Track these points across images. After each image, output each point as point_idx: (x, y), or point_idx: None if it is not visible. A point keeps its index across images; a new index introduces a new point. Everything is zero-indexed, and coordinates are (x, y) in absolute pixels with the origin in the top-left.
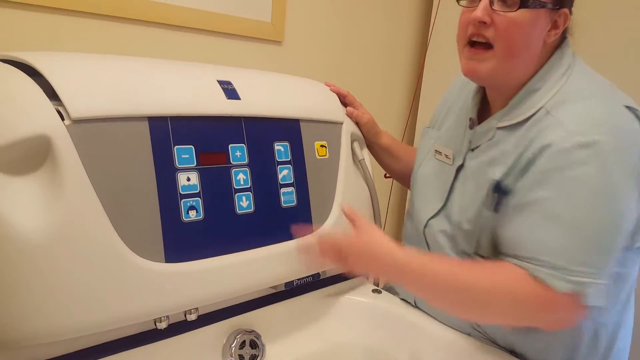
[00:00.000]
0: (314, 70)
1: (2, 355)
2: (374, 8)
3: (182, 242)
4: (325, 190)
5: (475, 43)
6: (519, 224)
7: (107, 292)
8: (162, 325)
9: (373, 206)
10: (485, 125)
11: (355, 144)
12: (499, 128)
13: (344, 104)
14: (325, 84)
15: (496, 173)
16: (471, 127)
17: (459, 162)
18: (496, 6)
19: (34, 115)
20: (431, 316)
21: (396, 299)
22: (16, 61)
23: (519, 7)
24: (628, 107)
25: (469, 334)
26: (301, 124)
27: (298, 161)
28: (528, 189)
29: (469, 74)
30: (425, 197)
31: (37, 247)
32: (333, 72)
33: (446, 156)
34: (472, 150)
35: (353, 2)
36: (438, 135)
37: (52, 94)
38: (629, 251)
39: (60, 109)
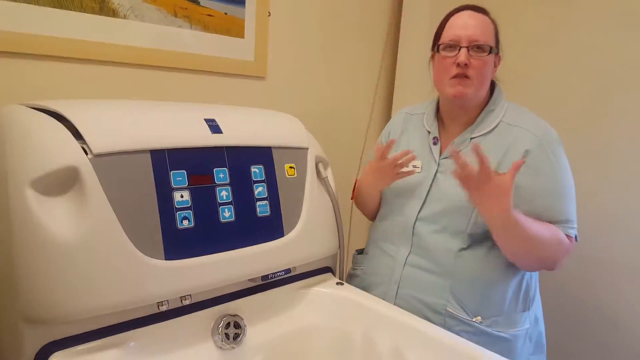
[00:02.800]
0: (294, 100)
1: (42, 329)
2: (346, 45)
3: (177, 244)
4: (294, 202)
5: (459, 76)
6: (541, 203)
7: (121, 281)
8: (164, 308)
9: (335, 216)
10: (460, 137)
11: (320, 165)
12: (472, 138)
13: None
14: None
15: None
16: (435, 143)
17: (434, 169)
18: (472, 52)
19: (65, 152)
20: (383, 301)
21: (355, 289)
22: (46, 109)
23: (488, 54)
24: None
25: (444, 308)
26: (273, 150)
27: (271, 180)
28: (532, 182)
29: (458, 95)
30: (404, 201)
31: (68, 247)
32: (312, 102)
33: (414, 166)
34: (447, 158)
35: (328, 40)
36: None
37: (76, 134)
38: None
39: (84, 146)
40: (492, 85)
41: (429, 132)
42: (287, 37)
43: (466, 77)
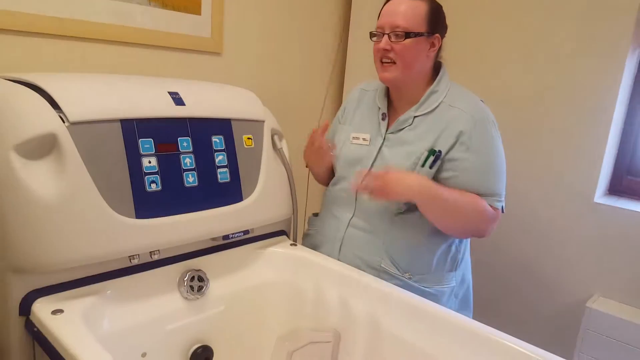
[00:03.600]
0: (249, 75)
1: (27, 278)
2: (302, 22)
3: (147, 205)
4: (251, 170)
5: (385, 62)
6: (468, 177)
7: (97, 236)
8: (135, 262)
9: (290, 184)
10: (405, 116)
11: (275, 137)
12: (415, 117)
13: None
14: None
15: (427, 143)
16: (383, 118)
17: (379, 141)
18: (392, 39)
19: (44, 119)
20: (333, 260)
21: (306, 249)
22: (24, 82)
23: (405, 39)
24: (481, 100)
25: (379, 265)
26: (232, 122)
27: (230, 149)
28: (464, 158)
29: (383, 80)
30: (352, 169)
31: (49, 206)
32: (266, 75)
33: (364, 139)
34: (394, 132)
35: (283, 17)
36: (351, 128)
37: (53, 104)
38: None
39: (61, 115)
40: (439, 66)
41: (379, 108)
42: (242, 14)
43: (393, 62)
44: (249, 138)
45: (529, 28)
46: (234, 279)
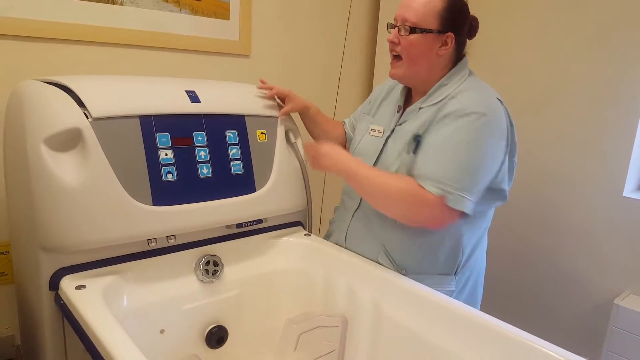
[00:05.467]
0: (277, 75)
1: (55, 257)
2: (325, 23)
3: (163, 194)
4: (265, 164)
5: (394, 56)
6: (419, 157)
7: (117, 221)
8: (153, 245)
9: (303, 177)
10: (412, 107)
11: (290, 133)
12: (421, 108)
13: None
14: (260, 81)
15: (415, 130)
16: (398, 111)
17: (388, 133)
18: (401, 32)
19: (70, 116)
20: (345, 249)
21: (319, 239)
22: (55, 83)
23: (410, 33)
24: (498, 99)
25: (376, 259)
26: (246, 118)
27: (244, 143)
28: (428, 138)
29: (391, 76)
30: (363, 159)
31: (74, 192)
32: (294, 75)
33: (378, 131)
34: (401, 124)
35: (307, 18)
36: (372, 120)
37: (79, 102)
38: (498, 200)
39: (85, 112)
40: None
41: (397, 101)
42: (269, 16)
43: (399, 57)
44: (262, 133)
45: (557, 23)
46: (247, 265)
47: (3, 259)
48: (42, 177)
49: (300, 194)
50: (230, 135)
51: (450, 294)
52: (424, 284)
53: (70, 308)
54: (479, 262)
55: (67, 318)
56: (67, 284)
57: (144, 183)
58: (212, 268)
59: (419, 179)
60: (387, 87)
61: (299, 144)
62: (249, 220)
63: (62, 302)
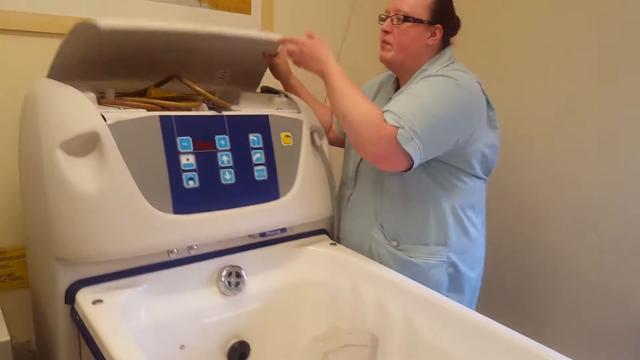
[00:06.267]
0: (300, 71)
1: (71, 269)
2: (347, 16)
3: (184, 201)
4: (289, 168)
5: (384, 42)
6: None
7: (136, 230)
8: (173, 256)
9: (329, 182)
10: (398, 92)
11: (315, 134)
12: (404, 92)
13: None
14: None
15: None
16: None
17: None
18: (394, 22)
19: (87, 118)
20: (370, 259)
21: (346, 249)
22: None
23: (403, 22)
24: (478, 82)
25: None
26: (270, 119)
27: (268, 147)
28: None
29: (381, 59)
30: (353, 151)
31: (91, 200)
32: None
33: None
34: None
35: (333, 12)
36: None
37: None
38: (469, 175)
39: (103, 113)
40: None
41: (388, 94)
42: (291, 11)
43: (389, 43)
44: (287, 136)
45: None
46: (271, 276)
47: (19, 263)
48: (58, 183)
49: (326, 200)
50: (254, 138)
51: (441, 264)
52: (414, 254)
53: (86, 325)
54: (475, 243)
55: (82, 334)
56: (84, 298)
57: (165, 190)
58: (234, 280)
59: (384, 113)
60: (378, 84)
61: (325, 146)
62: (273, 229)
63: (78, 317)
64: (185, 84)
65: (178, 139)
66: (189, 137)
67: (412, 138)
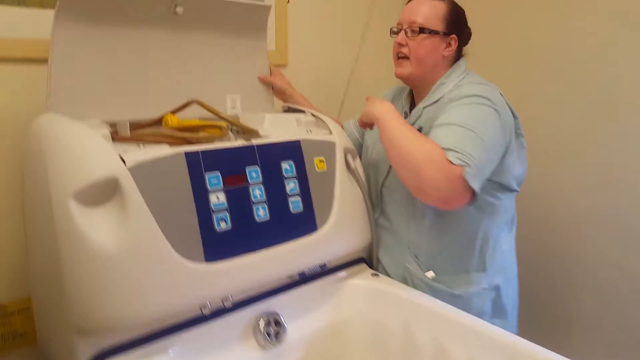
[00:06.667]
0: (315, 84)
1: (92, 339)
2: (362, 29)
3: (216, 246)
4: (325, 196)
5: (400, 57)
6: (434, 134)
7: (166, 287)
8: (207, 312)
9: (366, 206)
10: (415, 109)
11: (349, 156)
12: (424, 108)
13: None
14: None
15: (419, 127)
16: (405, 117)
17: None
18: (408, 35)
19: (105, 162)
20: (419, 292)
21: (391, 280)
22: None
23: (418, 34)
24: (500, 94)
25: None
26: (302, 143)
27: (301, 175)
28: (436, 123)
29: (398, 75)
30: (378, 169)
31: (112, 257)
32: (332, 83)
33: None
34: None
35: (344, 24)
36: None
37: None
38: (505, 190)
39: (122, 155)
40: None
41: (403, 108)
42: (305, 24)
43: (406, 57)
44: (320, 161)
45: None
46: (312, 319)
47: (23, 318)
48: (72, 239)
49: (365, 227)
50: (287, 167)
51: (482, 292)
52: (454, 285)
53: None
54: (508, 260)
55: None
56: None
57: (194, 236)
58: (273, 329)
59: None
60: (392, 96)
61: (359, 166)
62: (313, 265)
63: None
64: (208, 109)
65: (206, 176)
66: (217, 173)
67: (476, 174)
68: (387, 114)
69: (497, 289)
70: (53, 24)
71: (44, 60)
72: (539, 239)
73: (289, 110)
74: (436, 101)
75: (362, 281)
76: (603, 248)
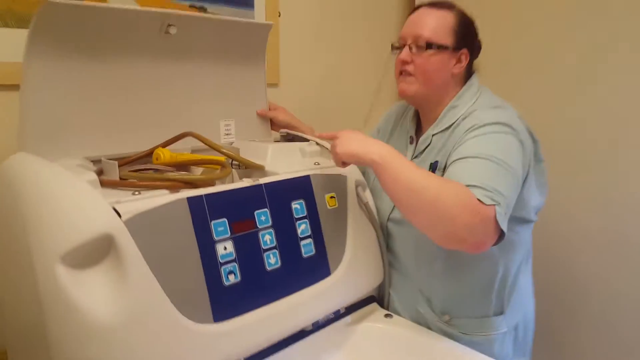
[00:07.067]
0: (308, 103)
1: None
2: (356, 50)
3: (225, 303)
4: (338, 236)
5: (402, 72)
6: (450, 172)
7: (172, 357)
8: None
9: (379, 242)
10: (424, 136)
11: (359, 189)
12: (433, 135)
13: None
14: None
15: (431, 159)
16: (411, 142)
17: None
18: (413, 50)
19: (96, 217)
20: (439, 335)
21: (406, 322)
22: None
23: (425, 50)
24: (519, 117)
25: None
26: (312, 178)
27: (313, 215)
28: (453, 155)
29: (402, 94)
30: (383, 200)
31: (109, 328)
32: (323, 104)
33: None
34: (416, 157)
35: (336, 40)
36: None
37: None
38: (523, 223)
39: (116, 206)
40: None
41: (408, 131)
42: (297, 42)
43: (410, 74)
44: (332, 197)
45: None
46: None
47: None
48: (62, 310)
49: (377, 265)
50: (297, 206)
51: (503, 336)
52: (471, 330)
53: None
54: (526, 296)
55: None
56: None
57: (201, 294)
58: None
59: (472, 189)
60: (395, 116)
61: (369, 199)
62: (327, 313)
63: None
64: (205, 142)
65: (212, 224)
66: (224, 219)
67: (506, 213)
68: (390, 156)
69: (516, 328)
70: (26, 48)
71: (11, 87)
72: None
73: (287, 136)
74: (448, 127)
75: (376, 324)
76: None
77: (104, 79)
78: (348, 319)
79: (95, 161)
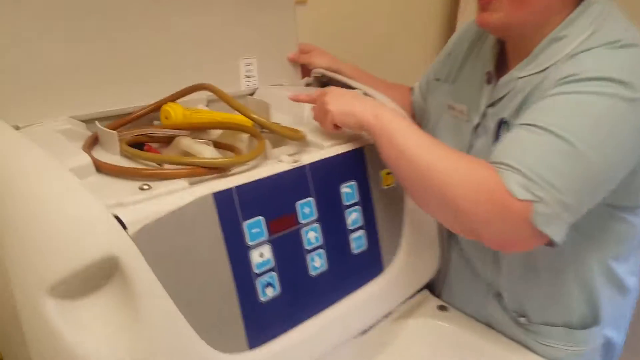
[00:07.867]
0: (337, 27)
1: None
2: None
3: (262, 325)
4: (393, 222)
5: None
6: (504, 141)
7: None
8: None
9: (437, 224)
10: (507, 77)
11: None
12: (520, 78)
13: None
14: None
15: (506, 113)
16: (489, 81)
17: (476, 120)
18: None
19: (96, 233)
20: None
21: (464, 317)
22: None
23: None
24: None
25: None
26: (365, 151)
27: (366, 199)
28: (524, 116)
29: (482, 25)
30: None
31: None
32: (355, 27)
33: (461, 112)
34: (492, 105)
35: None
36: (451, 90)
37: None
38: (636, 209)
39: (119, 213)
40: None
41: (484, 65)
42: None
43: None
44: (388, 173)
45: None
46: None
47: None
48: (49, 348)
49: (435, 249)
50: (347, 189)
51: (592, 351)
52: (554, 340)
53: None
54: (631, 296)
55: None
56: None
57: (233, 316)
58: None
59: (498, 169)
60: (470, 39)
61: None
62: (378, 318)
63: None
64: (230, 104)
65: (245, 225)
66: (259, 217)
67: (558, 215)
68: (397, 118)
69: (609, 340)
70: None
71: None
72: None
73: (322, 78)
74: (544, 69)
75: (429, 319)
76: None
77: (91, 7)
78: (396, 314)
79: (88, 121)
